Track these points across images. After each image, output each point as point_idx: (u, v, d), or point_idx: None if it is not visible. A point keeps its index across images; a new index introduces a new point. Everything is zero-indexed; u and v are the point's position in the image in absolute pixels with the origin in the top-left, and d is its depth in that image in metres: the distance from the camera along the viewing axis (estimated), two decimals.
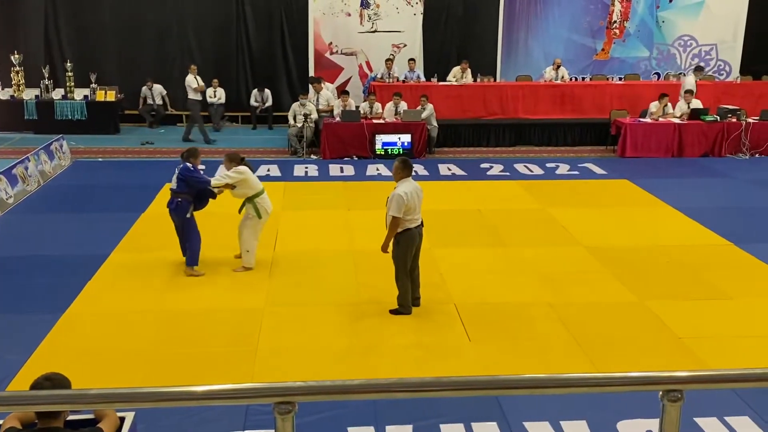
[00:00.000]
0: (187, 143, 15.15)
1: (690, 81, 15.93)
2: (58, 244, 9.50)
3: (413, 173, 7.54)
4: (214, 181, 8.44)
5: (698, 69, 16.39)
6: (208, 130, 16.46)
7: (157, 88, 17.48)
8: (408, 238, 7.34)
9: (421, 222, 7.48)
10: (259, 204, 8.45)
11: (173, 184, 8.43)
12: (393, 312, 7.50)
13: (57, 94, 16.76)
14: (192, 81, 16.07)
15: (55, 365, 4.67)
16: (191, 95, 16.06)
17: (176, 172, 8.44)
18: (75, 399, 2.26)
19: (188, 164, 8.42)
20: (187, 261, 8.55)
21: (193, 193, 8.41)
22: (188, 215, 8.41)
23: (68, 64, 16.62)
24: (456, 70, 16.89)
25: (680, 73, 18.21)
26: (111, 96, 16.72)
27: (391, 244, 7.39)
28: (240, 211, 8.67)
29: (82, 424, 4.03)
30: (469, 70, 16.81)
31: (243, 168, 8.39)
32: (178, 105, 18.01)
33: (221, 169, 8.81)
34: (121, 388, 2.14)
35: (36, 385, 3.76)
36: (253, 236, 8.58)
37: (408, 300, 7.51)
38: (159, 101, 17.55)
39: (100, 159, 14.43)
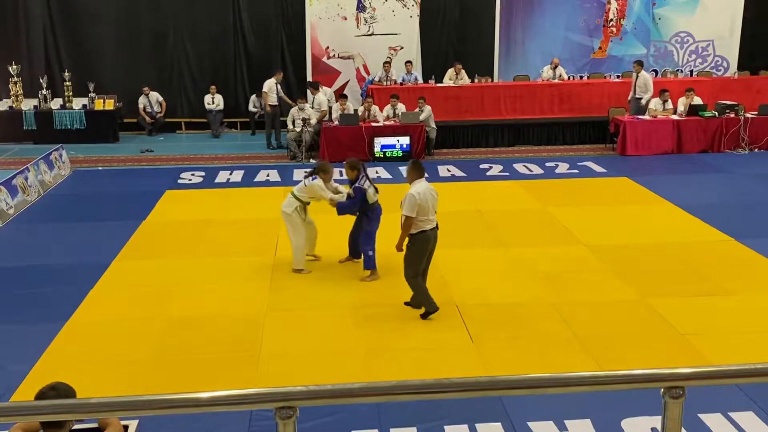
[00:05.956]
0: (275, 150, 15.92)
1: (645, 77, 15.89)
2: (60, 253, 9.51)
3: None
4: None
5: (638, 63, 16.30)
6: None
7: (154, 95, 17.49)
8: (423, 239, 7.32)
9: (437, 225, 7.45)
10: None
11: None
12: (423, 316, 7.44)
13: (55, 103, 16.77)
14: (265, 85, 16.17)
15: (58, 374, 4.67)
16: (270, 100, 16.15)
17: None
18: (77, 408, 2.25)
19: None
20: None
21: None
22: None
23: (66, 74, 16.63)
24: (450, 72, 16.94)
25: (677, 70, 18.24)
26: (110, 105, 16.73)
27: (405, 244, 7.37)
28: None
29: None
30: (463, 71, 16.84)
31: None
32: (176, 112, 18.05)
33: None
34: (124, 396, 2.14)
35: (41, 395, 3.76)
36: (292, 233, 8.76)
37: (428, 298, 7.45)
38: (157, 108, 17.56)
39: (99, 168, 14.44)
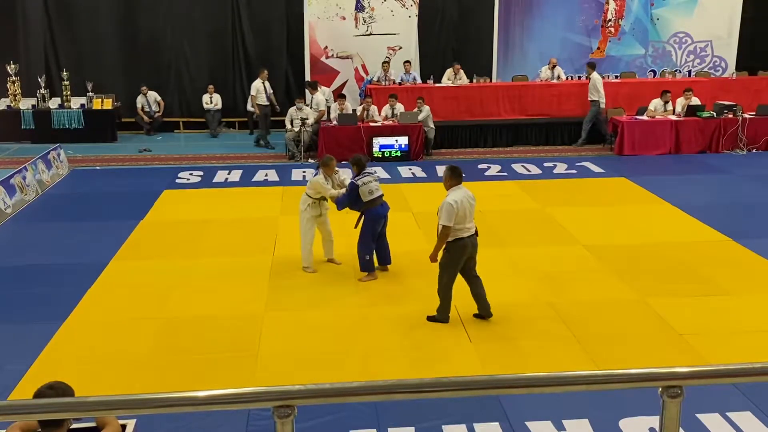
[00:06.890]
0: (272, 150, 15.93)
1: (594, 80, 15.76)
2: (58, 252, 9.50)
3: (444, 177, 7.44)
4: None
5: (589, 65, 16.26)
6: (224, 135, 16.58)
7: (152, 94, 17.48)
8: (459, 248, 7.17)
9: (476, 231, 7.30)
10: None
11: None
12: (430, 319, 7.37)
13: (54, 103, 16.74)
14: (252, 88, 16.19)
15: (56, 374, 4.67)
16: (259, 100, 16.14)
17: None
18: (75, 407, 2.25)
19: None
20: None
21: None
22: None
23: (64, 73, 16.61)
24: (449, 72, 16.95)
25: (675, 71, 18.26)
26: (108, 104, 16.70)
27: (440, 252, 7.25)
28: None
29: None
30: (462, 72, 16.86)
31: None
32: (174, 112, 18.04)
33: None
34: (122, 395, 2.13)
35: (39, 394, 3.75)
36: (302, 232, 8.82)
37: (447, 311, 7.35)
38: (155, 108, 17.55)
39: (97, 167, 14.43)
